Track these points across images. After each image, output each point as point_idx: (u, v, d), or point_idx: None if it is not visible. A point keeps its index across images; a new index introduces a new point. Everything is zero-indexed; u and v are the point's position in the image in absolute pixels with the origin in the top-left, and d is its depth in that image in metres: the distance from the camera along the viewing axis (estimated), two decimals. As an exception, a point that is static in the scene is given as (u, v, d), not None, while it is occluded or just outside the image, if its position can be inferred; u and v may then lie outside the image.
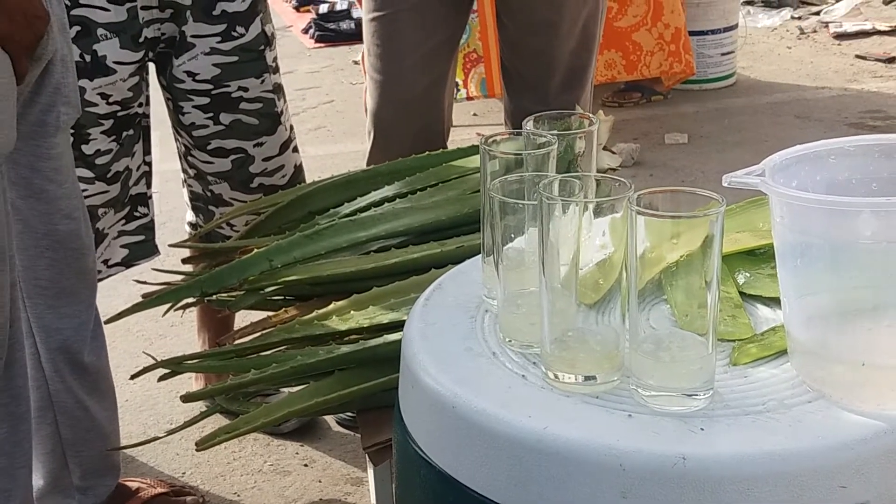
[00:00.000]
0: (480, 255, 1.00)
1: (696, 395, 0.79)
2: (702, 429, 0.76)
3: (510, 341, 0.90)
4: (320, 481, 1.86)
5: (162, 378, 1.42)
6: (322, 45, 5.26)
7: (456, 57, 2.10)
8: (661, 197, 0.80)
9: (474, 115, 3.96)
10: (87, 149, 1.70)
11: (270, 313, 1.43)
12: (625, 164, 3.41)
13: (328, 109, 4.25)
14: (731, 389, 0.82)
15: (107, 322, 1.56)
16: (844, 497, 0.74)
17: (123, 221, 1.84)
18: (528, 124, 1.00)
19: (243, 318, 1.86)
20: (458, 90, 3.60)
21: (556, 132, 0.99)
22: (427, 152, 1.67)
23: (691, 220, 0.77)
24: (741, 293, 0.96)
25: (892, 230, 0.74)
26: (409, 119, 2.04)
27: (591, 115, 1.02)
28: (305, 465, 1.90)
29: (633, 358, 0.81)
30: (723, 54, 4.08)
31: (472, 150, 1.69)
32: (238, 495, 1.84)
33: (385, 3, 1.97)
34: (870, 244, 0.75)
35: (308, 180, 1.97)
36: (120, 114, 1.71)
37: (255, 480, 1.88)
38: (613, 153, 1.64)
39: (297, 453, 1.94)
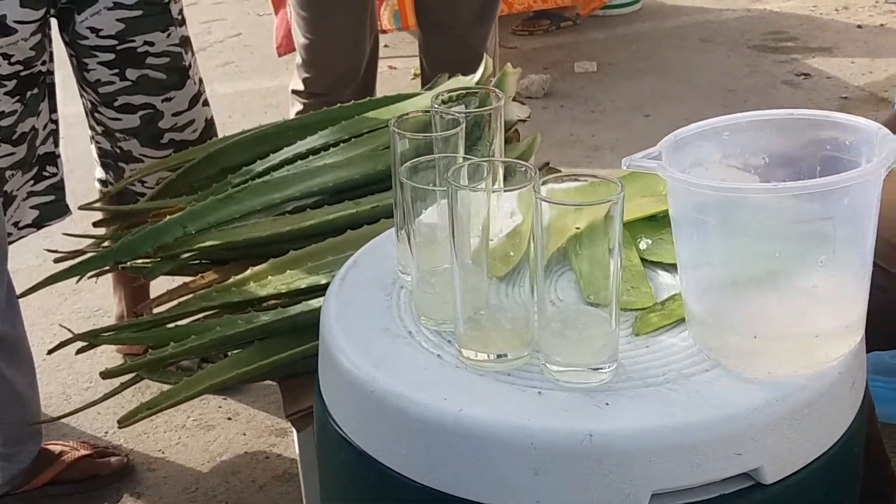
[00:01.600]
0: (394, 230, 1.01)
1: (602, 368, 0.83)
2: (606, 403, 0.80)
3: (425, 320, 0.93)
4: (245, 434, 1.89)
5: (80, 351, 1.42)
6: (225, -27, 5.10)
7: None
8: (564, 181, 0.83)
9: (385, 46, 3.91)
10: (-10, 111, 1.65)
11: (187, 279, 1.43)
12: (535, 96, 3.44)
13: (235, 43, 4.16)
14: (633, 361, 0.86)
15: (19, 296, 1.55)
16: (740, 463, 0.79)
17: (32, 182, 1.80)
18: (436, 102, 1.01)
19: (161, 279, 1.85)
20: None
21: (463, 111, 1.00)
22: (352, 98, 1.69)
23: (594, 206, 0.80)
24: (643, 260, 1.00)
25: (780, 210, 0.78)
26: (338, 53, 2.08)
27: (498, 91, 1.04)
28: (229, 419, 1.93)
29: (542, 336, 0.85)
30: (627, -20, 4.11)
31: (385, 101, 1.69)
32: (162, 452, 1.86)
33: None
34: (759, 223, 0.79)
35: (218, 119, 1.96)
36: (23, 74, 1.67)
37: (178, 437, 1.90)
38: (522, 104, 1.66)
39: (220, 407, 1.96)
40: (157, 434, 1.91)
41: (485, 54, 1.74)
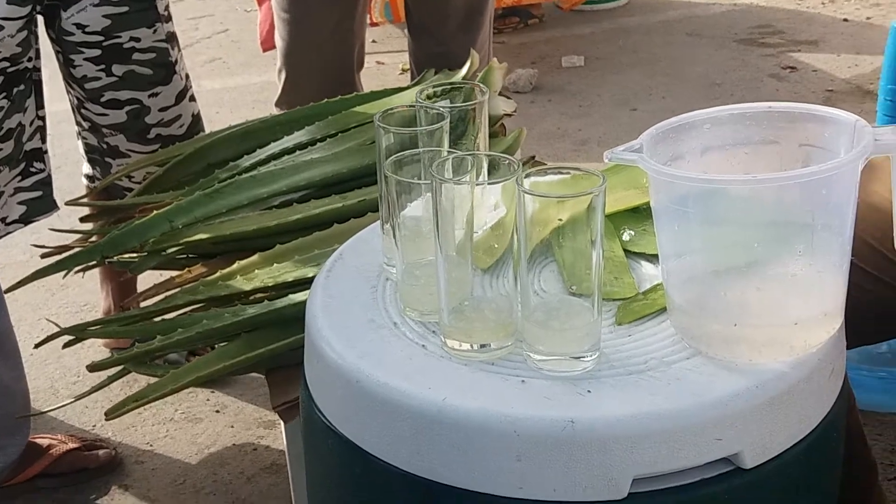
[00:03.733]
0: (380, 223, 1.02)
1: (584, 357, 0.84)
2: (589, 391, 0.82)
3: (410, 311, 0.94)
4: (233, 426, 1.90)
5: (67, 345, 1.42)
6: (213, -31, 5.10)
7: None
8: (546, 175, 0.84)
9: (373, 41, 3.93)
10: (-23, 108, 1.65)
11: (174, 273, 1.44)
12: (523, 90, 3.45)
13: (223, 39, 4.16)
14: (616, 349, 0.87)
15: (6, 291, 1.55)
16: (720, 448, 0.80)
17: (20, 178, 1.80)
18: (421, 97, 1.02)
19: (148, 274, 1.86)
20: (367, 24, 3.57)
21: (447, 105, 1.01)
22: (339, 95, 1.68)
23: (577, 198, 0.81)
24: (626, 251, 1.01)
25: (759, 201, 0.79)
26: (320, 57, 2.05)
27: (481, 85, 1.05)
28: (217, 412, 1.94)
29: (525, 326, 0.86)
30: (615, -25, 4.13)
31: (371, 97, 1.70)
32: (150, 445, 1.86)
33: None
34: (739, 214, 0.80)
35: (206, 115, 1.96)
36: (10, 70, 1.67)
37: (166, 429, 1.90)
38: (508, 98, 1.67)
39: (208, 400, 1.97)
40: (144, 427, 1.91)
41: (472, 49, 1.75)
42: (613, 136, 3.02)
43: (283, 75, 2.07)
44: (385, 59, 3.74)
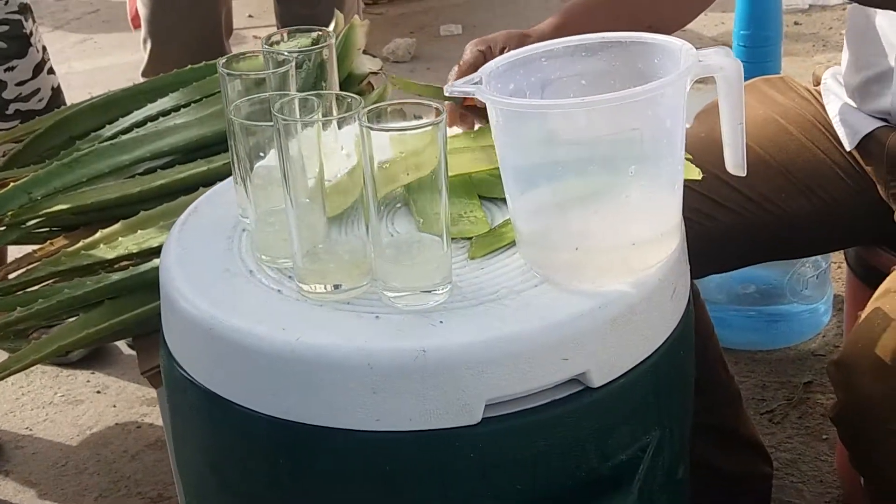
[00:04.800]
0: (232, 176, 1.02)
1: (436, 290, 0.86)
2: (441, 322, 0.83)
3: (265, 258, 0.94)
4: (115, 406, 1.87)
5: (-74, 324, 1.37)
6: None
7: None
8: (389, 110, 0.85)
9: (250, 16, 3.87)
10: None
11: (36, 247, 1.40)
12: (402, 60, 3.46)
13: (93, 20, 4.04)
14: (468, 282, 0.89)
15: None
16: (567, 368, 0.83)
17: None
18: (268, 43, 1.01)
19: (13, 250, 1.81)
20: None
21: (294, 49, 1.01)
22: (204, 62, 1.65)
23: (417, 132, 0.82)
24: (480, 196, 1.02)
25: (594, 126, 0.82)
26: (184, 23, 2.01)
27: (328, 30, 1.05)
28: (98, 392, 1.90)
29: (378, 264, 0.87)
30: (488, -58, 4.14)
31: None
32: (30, 430, 1.82)
33: None
34: (574, 138, 0.83)
35: (78, 96, 1.91)
36: None
37: (46, 413, 1.86)
38: (374, 56, 1.67)
39: (88, 381, 1.93)
40: (23, 412, 1.86)
41: (335, 10, 1.74)
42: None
43: (149, 45, 2.04)
44: (261, 32, 3.69)
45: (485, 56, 1.02)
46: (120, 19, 3.89)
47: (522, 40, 1.06)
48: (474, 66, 0.99)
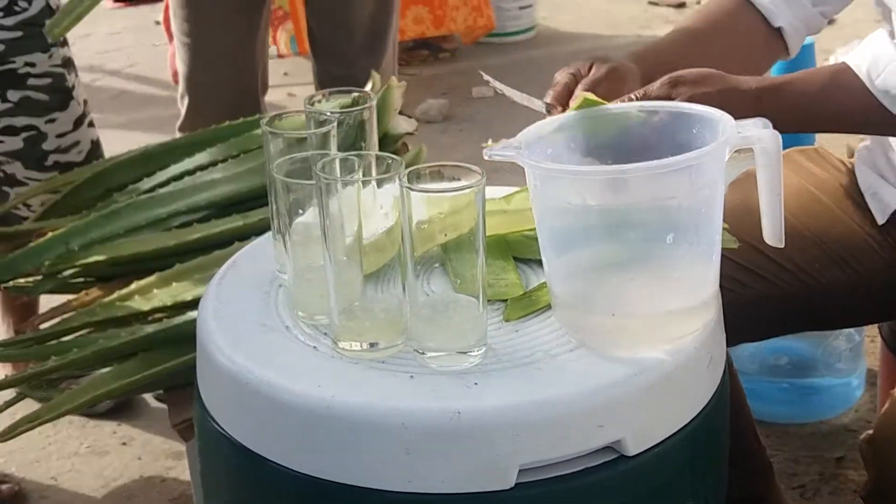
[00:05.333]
0: (272, 232, 1.03)
1: (471, 352, 0.86)
2: (475, 383, 0.83)
3: (302, 314, 0.95)
4: (140, 458, 1.86)
5: (-40, 371, 1.39)
6: (122, 4, 5.07)
7: (264, 16, 2.12)
8: (429, 172, 0.86)
9: (285, 74, 3.93)
10: None
11: (71, 296, 1.41)
12: (435, 120, 3.49)
13: (130, 74, 4.12)
14: (503, 344, 0.89)
15: None
16: (602, 435, 0.82)
17: (-88, 208, 1.76)
18: (309, 104, 1.03)
19: (49, 300, 1.82)
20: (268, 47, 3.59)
21: (336, 110, 1.02)
22: (242, 118, 1.68)
23: (457, 194, 0.83)
24: (515, 258, 1.03)
25: (631, 193, 0.82)
26: (221, 80, 2.05)
27: (369, 92, 1.06)
28: (124, 444, 1.90)
29: (413, 323, 0.87)
30: (521, 8, 4.21)
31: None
32: (55, 480, 1.82)
33: None
34: (613, 206, 0.83)
35: (111, 150, 1.94)
36: None
37: (72, 463, 1.86)
38: (409, 117, 1.69)
39: (114, 432, 1.93)
40: (49, 461, 1.86)
41: (372, 71, 1.77)
42: (522, 163, 3.06)
43: (186, 100, 2.08)
44: (296, 90, 3.75)
45: (576, 78, 1.04)
46: (156, 74, 3.97)
47: (607, 58, 1.08)
48: (568, 87, 1.00)
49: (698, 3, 4.66)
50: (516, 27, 4.21)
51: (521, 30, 4.24)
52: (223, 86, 2.06)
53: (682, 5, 4.68)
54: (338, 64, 2.18)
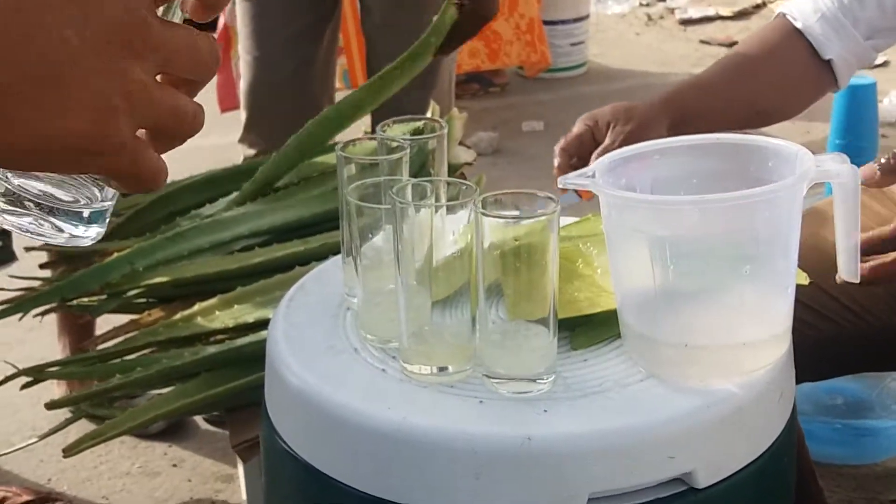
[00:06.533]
0: (341, 255, 1.04)
1: (540, 379, 0.86)
2: (545, 410, 0.83)
3: (371, 337, 0.95)
4: (190, 480, 1.88)
5: (25, 386, 1.41)
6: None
7: (328, 42, 2.18)
8: (503, 198, 0.87)
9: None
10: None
11: (134, 316, 1.44)
12: (485, 153, 3.51)
13: (187, 102, 4.20)
14: (572, 373, 0.89)
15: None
16: (673, 466, 0.82)
17: (-23, 227, 1.80)
18: (383, 130, 1.04)
19: (105, 320, 1.85)
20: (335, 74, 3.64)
21: (408, 137, 1.04)
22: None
23: (531, 221, 0.83)
24: (587, 286, 1.03)
25: (707, 224, 0.82)
26: (280, 100, 2.12)
27: (440, 120, 1.07)
28: (174, 466, 1.91)
29: (483, 348, 0.87)
30: (572, 44, 4.23)
31: (332, 149, 1.73)
32: (106, 499, 1.83)
33: None
34: (688, 236, 0.83)
35: (171, 175, 1.97)
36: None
37: (123, 483, 1.88)
38: (468, 147, 1.71)
39: (165, 454, 1.95)
40: (100, 480, 1.88)
41: (432, 101, 1.79)
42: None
43: (245, 115, 2.14)
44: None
45: (591, 131, 1.04)
46: (207, 104, 4.03)
47: (629, 112, 1.08)
48: (580, 139, 1.01)
49: (750, 42, 4.66)
50: (567, 63, 4.23)
51: (572, 66, 4.26)
52: (281, 105, 2.12)
53: (734, 44, 4.67)
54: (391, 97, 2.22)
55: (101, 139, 0.45)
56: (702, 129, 0.97)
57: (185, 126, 0.49)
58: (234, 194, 1.61)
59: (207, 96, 4.11)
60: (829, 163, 0.85)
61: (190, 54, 0.48)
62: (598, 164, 0.90)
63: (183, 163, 3.48)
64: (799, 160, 0.85)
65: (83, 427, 1.63)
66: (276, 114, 2.10)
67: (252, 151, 2.15)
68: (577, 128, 1.06)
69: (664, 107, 1.13)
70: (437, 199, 0.93)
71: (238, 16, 2.14)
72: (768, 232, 0.82)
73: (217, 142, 3.68)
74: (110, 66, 0.44)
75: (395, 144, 1.02)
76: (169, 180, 1.72)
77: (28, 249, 1.67)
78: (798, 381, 1.29)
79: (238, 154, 2.23)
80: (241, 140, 2.17)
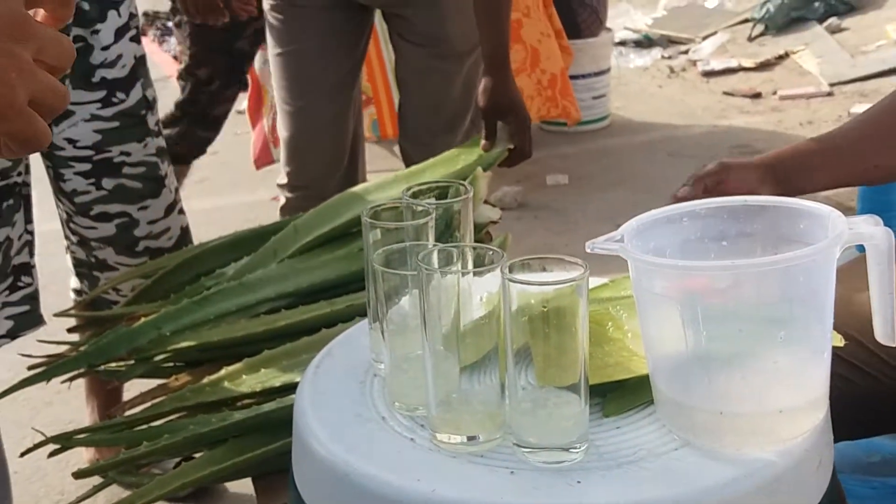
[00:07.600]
0: (367, 320, 1.03)
1: (573, 448, 0.84)
2: (578, 482, 0.81)
3: (398, 405, 0.94)
4: (218, 544, 1.86)
5: (53, 454, 1.40)
6: (204, 95, 5.23)
7: (359, 86, 2.27)
8: (531, 262, 0.86)
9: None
10: (-34, 222, 1.67)
11: (161, 381, 1.43)
12: (509, 207, 3.51)
13: (212, 161, 4.22)
14: (605, 441, 0.87)
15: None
16: (710, 538, 0.79)
17: (7, 293, 1.80)
18: (407, 195, 1.04)
19: (133, 383, 1.84)
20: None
21: (433, 202, 1.03)
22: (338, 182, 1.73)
23: (559, 287, 0.82)
24: (617, 351, 1.01)
25: (740, 289, 0.81)
26: (320, 145, 2.19)
27: (466, 184, 1.07)
28: (202, 529, 1.89)
29: (513, 417, 0.86)
30: (594, 98, 4.24)
31: (359, 202, 1.73)
32: (134, 564, 1.81)
33: (289, 40, 2.14)
34: (720, 302, 0.82)
35: (193, 235, 1.99)
36: (-1, 185, 1.70)
37: (151, 547, 1.86)
38: (493, 206, 1.70)
39: (193, 517, 1.93)
40: (127, 546, 1.86)
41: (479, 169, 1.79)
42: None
43: (287, 161, 2.21)
44: (370, 177, 3.81)
45: (706, 187, 1.04)
46: (238, 161, 4.07)
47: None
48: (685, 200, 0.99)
49: (774, 94, 4.66)
50: (590, 116, 4.24)
51: (594, 119, 4.27)
52: (321, 150, 2.20)
53: (757, 95, 4.67)
54: (420, 139, 2.27)
55: (6, 106, 0.59)
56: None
57: (59, 101, 0.63)
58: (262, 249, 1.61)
59: (236, 156, 4.15)
60: (862, 225, 0.83)
61: (56, 46, 0.63)
62: (625, 227, 0.89)
63: (208, 225, 3.49)
64: (832, 222, 0.84)
65: (111, 492, 1.62)
66: (316, 159, 2.18)
67: (293, 195, 2.21)
68: (682, 192, 1.05)
69: (775, 164, 1.10)
70: (464, 264, 0.92)
71: (273, 70, 2.20)
72: (803, 296, 0.80)
73: (245, 199, 3.72)
74: (3, 49, 0.59)
75: (420, 209, 1.02)
76: (196, 241, 1.73)
77: (57, 315, 1.67)
78: (838, 440, 1.27)
79: (264, 209, 2.27)
80: (281, 185, 2.23)
